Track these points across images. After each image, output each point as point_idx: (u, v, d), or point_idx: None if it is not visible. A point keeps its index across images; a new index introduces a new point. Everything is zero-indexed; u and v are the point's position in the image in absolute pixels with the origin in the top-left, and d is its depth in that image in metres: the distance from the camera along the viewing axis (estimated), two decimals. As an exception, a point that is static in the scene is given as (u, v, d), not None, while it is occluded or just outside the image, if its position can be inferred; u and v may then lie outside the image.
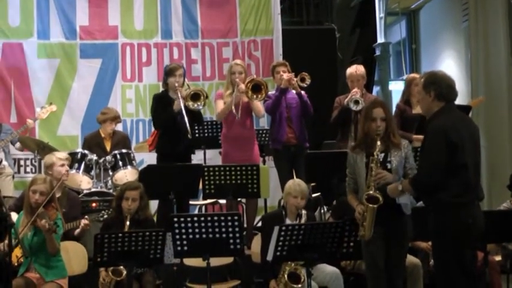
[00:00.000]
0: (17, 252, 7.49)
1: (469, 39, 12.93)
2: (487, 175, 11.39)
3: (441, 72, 6.47)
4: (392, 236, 6.59)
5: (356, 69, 9.31)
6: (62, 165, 8.42)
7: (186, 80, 9.34)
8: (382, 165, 6.55)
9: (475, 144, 6.24)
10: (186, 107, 8.86)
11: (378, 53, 15.16)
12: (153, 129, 9.69)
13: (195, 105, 8.90)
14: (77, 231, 8.05)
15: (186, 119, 8.77)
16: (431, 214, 6.15)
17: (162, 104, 9.13)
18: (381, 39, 15.10)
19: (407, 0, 15.70)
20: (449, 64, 14.10)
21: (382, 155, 6.60)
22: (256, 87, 8.97)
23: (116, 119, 10.17)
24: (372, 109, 6.71)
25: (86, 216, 8.07)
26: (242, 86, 8.97)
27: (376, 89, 15.22)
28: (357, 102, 8.96)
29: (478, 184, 6.26)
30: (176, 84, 8.99)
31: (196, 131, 10.22)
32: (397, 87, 15.85)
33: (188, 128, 8.76)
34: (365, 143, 6.70)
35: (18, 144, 10.26)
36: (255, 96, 8.96)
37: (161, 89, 9.52)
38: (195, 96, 8.92)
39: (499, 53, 12.14)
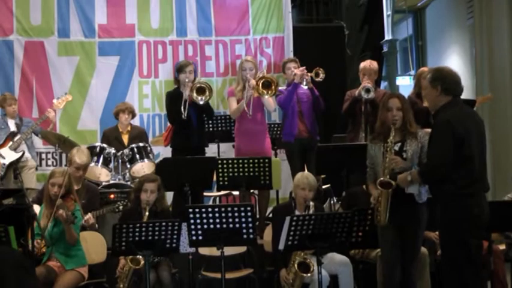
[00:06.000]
0: (40, 242, 7.63)
1: (474, 35, 13.01)
2: (491, 167, 11.27)
3: (448, 68, 6.58)
4: (406, 225, 6.71)
5: (370, 64, 9.50)
6: (78, 168, 8.48)
7: (198, 76, 9.48)
8: (398, 154, 6.69)
9: (481, 137, 6.35)
10: (193, 101, 9.04)
11: (385, 49, 15.19)
12: (168, 124, 9.83)
13: (199, 98, 9.04)
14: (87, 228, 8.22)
15: (187, 105, 9.00)
16: (438, 204, 6.26)
17: (174, 100, 9.24)
18: (388, 36, 15.12)
19: (413, -2, 15.89)
20: (455, 60, 14.18)
21: (399, 144, 6.75)
22: (267, 84, 9.10)
23: (127, 109, 10.32)
24: (388, 99, 6.88)
25: (90, 214, 8.20)
26: (253, 82, 9.09)
27: (383, 84, 15.28)
28: (368, 90, 9.12)
29: (484, 175, 6.36)
30: (187, 80, 9.12)
31: (211, 125, 10.44)
32: (404, 83, 15.96)
33: (182, 110, 8.97)
34: (383, 133, 6.82)
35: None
36: (265, 92, 9.09)
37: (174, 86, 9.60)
38: (200, 90, 9.06)
39: (503, 49, 12.23)
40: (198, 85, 9.10)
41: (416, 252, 6.95)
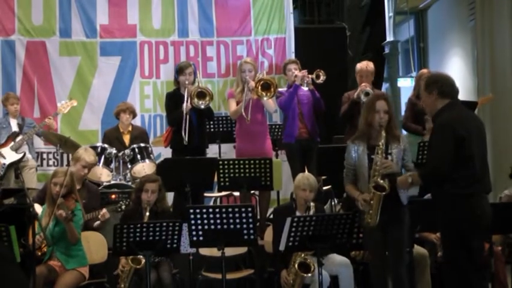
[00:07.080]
0: (41, 237, 7.61)
1: (475, 37, 13.02)
2: (492, 169, 11.36)
3: (440, 72, 6.72)
4: (390, 226, 6.70)
5: (367, 65, 9.50)
6: (84, 167, 8.52)
7: (198, 77, 9.43)
8: (384, 156, 6.67)
9: (482, 138, 6.37)
10: (193, 107, 9.04)
11: (387, 50, 15.16)
12: (169, 124, 9.80)
13: (199, 103, 9.04)
14: (97, 223, 8.18)
15: (187, 125, 8.97)
16: (440, 205, 6.26)
17: (173, 101, 9.27)
18: (390, 37, 15.08)
19: (415, 0, 15.85)
20: (456, 62, 14.19)
21: (383, 147, 6.69)
22: (266, 85, 9.06)
23: (128, 109, 10.31)
24: (376, 101, 6.82)
25: (105, 209, 8.21)
26: (252, 84, 9.07)
27: (385, 86, 15.27)
28: (367, 94, 9.07)
29: (486, 176, 6.36)
30: (186, 82, 9.15)
31: (212, 126, 10.44)
32: (405, 84, 15.94)
33: (184, 135, 8.94)
34: (367, 134, 6.83)
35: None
36: (264, 94, 9.06)
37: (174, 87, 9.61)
38: (201, 94, 9.06)
39: (504, 51, 12.22)
40: (199, 90, 9.10)
41: (401, 252, 6.88)
